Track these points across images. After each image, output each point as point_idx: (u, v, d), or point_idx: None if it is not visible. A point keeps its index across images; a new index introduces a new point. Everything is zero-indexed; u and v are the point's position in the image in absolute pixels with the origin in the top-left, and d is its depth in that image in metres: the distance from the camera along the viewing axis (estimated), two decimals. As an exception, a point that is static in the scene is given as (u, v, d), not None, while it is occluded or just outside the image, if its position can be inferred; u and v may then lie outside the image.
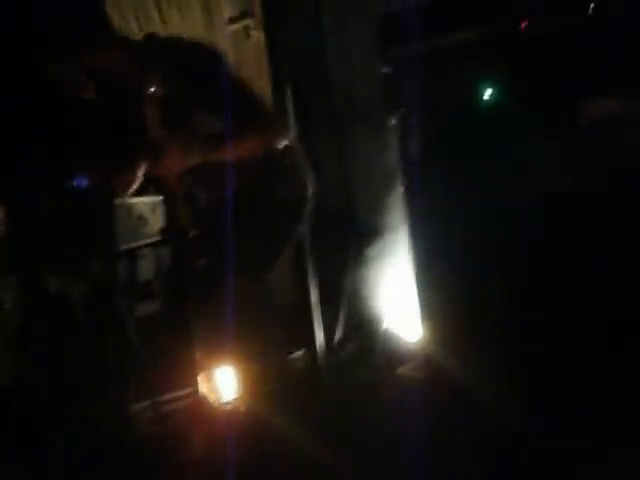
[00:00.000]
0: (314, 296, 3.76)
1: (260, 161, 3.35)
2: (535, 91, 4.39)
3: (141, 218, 3.24)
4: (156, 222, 3.35)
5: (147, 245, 3.31)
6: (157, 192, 3.31)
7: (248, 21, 4.06)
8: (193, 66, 3.22)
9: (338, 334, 4.37)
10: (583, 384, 3.60)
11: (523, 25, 4.42)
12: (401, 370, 4.42)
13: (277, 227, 3.41)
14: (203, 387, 3.50)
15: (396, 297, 4.55)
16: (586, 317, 3.86)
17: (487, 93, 4.52)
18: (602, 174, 4.06)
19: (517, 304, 4.01)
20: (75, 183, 3.29)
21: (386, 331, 4.57)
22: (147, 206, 3.29)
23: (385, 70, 4.65)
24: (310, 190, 3.47)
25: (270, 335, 3.48)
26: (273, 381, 3.71)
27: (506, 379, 3.73)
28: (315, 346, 3.85)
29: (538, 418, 3.42)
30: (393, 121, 4.57)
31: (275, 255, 3.43)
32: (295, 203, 3.44)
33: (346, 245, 4.38)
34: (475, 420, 3.49)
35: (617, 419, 3.36)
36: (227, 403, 3.68)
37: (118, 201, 3.08)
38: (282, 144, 3.34)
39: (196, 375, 3.08)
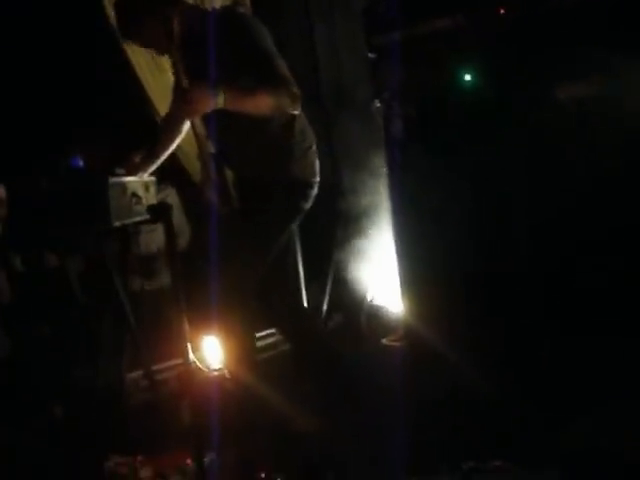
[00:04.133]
0: (301, 270, 3.68)
1: (278, 142, 3.31)
2: (514, 73, 4.31)
3: (135, 196, 3.15)
4: (150, 200, 3.28)
5: (141, 222, 3.21)
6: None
7: (239, 8, 3.97)
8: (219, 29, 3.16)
9: (325, 306, 4.33)
10: (548, 350, 3.64)
11: (502, 10, 4.32)
12: (384, 340, 4.40)
13: (286, 205, 3.37)
14: (193, 356, 3.45)
15: (379, 272, 4.51)
16: (551, 289, 3.85)
17: (467, 77, 4.42)
18: (581, 155, 4.02)
19: (490, 277, 4.00)
20: (72, 162, 3.22)
21: (370, 303, 4.53)
22: (141, 184, 3.21)
23: (370, 56, 4.57)
24: (317, 173, 3.43)
25: (256, 307, 3.43)
26: (260, 350, 3.67)
27: (478, 346, 3.73)
28: (302, 317, 3.76)
29: (505, 378, 3.45)
30: (377, 105, 4.50)
31: (282, 231, 3.38)
32: (304, 182, 3.38)
33: (332, 222, 4.34)
34: (449, 380, 3.52)
35: (577, 384, 3.38)
36: (215, 371, 3.64)
37: (113, 179, 2.98)
38: (295, 111, 3.28)
39: (186, 345, 3.00)
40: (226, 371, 3.52)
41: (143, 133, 3.79)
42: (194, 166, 4.43)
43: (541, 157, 4.07)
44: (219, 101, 3.09)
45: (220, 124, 3.25)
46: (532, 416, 3.20)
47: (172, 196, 4.46)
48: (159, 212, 3.07)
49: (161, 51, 3.37)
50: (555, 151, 4.04)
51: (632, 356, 3.48)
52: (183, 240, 4.53)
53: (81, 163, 3.69)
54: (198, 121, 3.37)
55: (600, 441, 3.05)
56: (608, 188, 3.90)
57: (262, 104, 3.17)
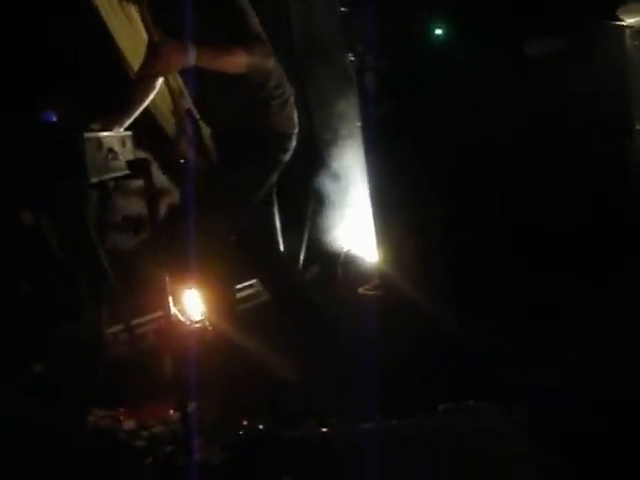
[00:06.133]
0: (278, 221, 3.64)
1: (255, 95, 3.25)
2: (484, 28, 4.26)
3: (111, 151, 3.08)
4: (127, 156, 3.20)
5: (118, 178, 3.14)
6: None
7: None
8: None
9: (302, 257, 4.30)
10: (519, 292, 3.68)
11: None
12: (360, 289, 4.39)
13: (265, 157, 3.31)
14: (174, 309, 3.42)
15: (355, 222, 4.49)
16: (522, 235, 3.88)
17: (438, 31, 4.37)
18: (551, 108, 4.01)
19: (463, 225, 4.00)
20: (45, 117, 3.14)
21: (347, 254, 4.51)
22: (117, 140, 3.13)
23: (342, 9, 4.50)
24: (296, 125, 3.38)
25: (236, 258, 3.39)
26: (240, 301, 3.64)
27: (452, 292, 3.78)
28: (281, 267, 3.73)
29: (479, 322, 3.50)
30: (351, 58, 4.44)
31: (262, 184, 3.33)
32: (282, 135, 3.33)
33: (308, 174, 4.30)
34: (423, 326, 3.57)
35: (546, 324, 3.44)
36: (196, 323, 3.61)
37: (88, 134, 2.90)
38: (267, 70, 3.22)
39: (166, 298, 2.96)
40: (207, 322, 3.50)
41: (117, 87, 3.70)
42: (169, 121, 4.35)
43: (512, 110, 4.05)
44: (191, 59, 3.02)
45: (196, 78, 3.18)
46: (504, 357, 3.24)
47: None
48: (138, 167, 3.01)
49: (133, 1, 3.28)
50: (525, 104, 4.03)
51: (600, 296, 3.51)
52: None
53: (54, 118, 3.59)
54: (172, 75, 3.30)
55: (568, 379, 3.08)
56: (575, 139, 3.90)
57: (234, 63, 3.11)
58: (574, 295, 3.55)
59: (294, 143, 3.36)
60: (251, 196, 3.29)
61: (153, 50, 3.14)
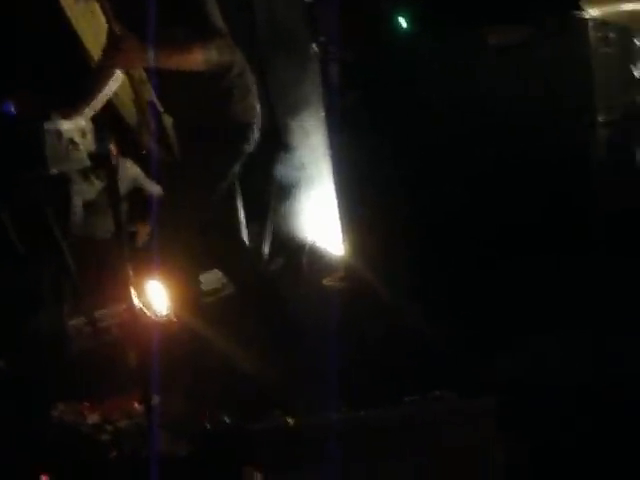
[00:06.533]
0: (242, 212, 3.62)
1: (216, 85, 3.21)
2: (447, 18, 4.26)
3: (72, 142, 3.03)
4: (88, 147, 3.16)
5: (79, 169, 3.11)
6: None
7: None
8: None
9: (266, 249, 4.28)
10: (482, 290, 3.68)
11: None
12: (326, 281, 4.38)
13: (228, 148, 3.29)
14: (137, 301, 3.38)
15: (320, 214, 4.48)
16: (485, 230, 3.89)
17: (403, 21, 4.36)
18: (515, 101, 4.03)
19: (428, 218, 4.01)
20: (3, 107, 3.09)
21: (311, 246, 4.50)
22: (78, 130, 3.09)
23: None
24: (258, 115, 3.35)
25: (201, 251, 3.36)
26: (205, 294, 3.62)
27: (416, 285, 3.77)
28: (246, 259, 3.71)
29: (441, 318, 3.49)
30: (314, 48, 4.42)
31: (225, 175, 3.31)
32: (244, 125, 3.30)
33: (272, 165, 4.28)
34: (388, 319, 3.56)
35: (513, 316, 3.44)
36: (161, 316, 3.57)
37: (48, 125, 2.86)
38: (227, 63, 3.19)
39: (130, 291, 2.93)
40: (171, 315, 3.47)
41: (77, 78, 3.65)
42: (130, 111, 4.30)
43: (475, 101, 4.06)
44: (150, 59, 3.00)
45: (158, 68, 3.15)
46: (470, 348, 3.25)
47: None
48: (100, 159, 2.98)
49: None
50: (488, 95, 4.04)
51: (565, 288, 3.54)
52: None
53: (13, 109, 3.54)
54: None
55: (534, 369, 3.10)
56: (537, 131, 3.92)
57: (193, 60, 3.09)
58: (539, 287, 3.57)
59: (256, 133, 3.34)
60: (214, 187, 3.26)
61: (114, 43, 3.10)
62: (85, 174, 3.70)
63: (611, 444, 2.60)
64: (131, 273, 2.94)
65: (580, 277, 3.55)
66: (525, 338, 3.31)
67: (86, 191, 4.06)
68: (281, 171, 4.32)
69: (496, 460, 2.41)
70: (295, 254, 4.39)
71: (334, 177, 4.32)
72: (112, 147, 3.40)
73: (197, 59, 3.09)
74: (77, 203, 3.87)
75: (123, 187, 4.08)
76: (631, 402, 2.75)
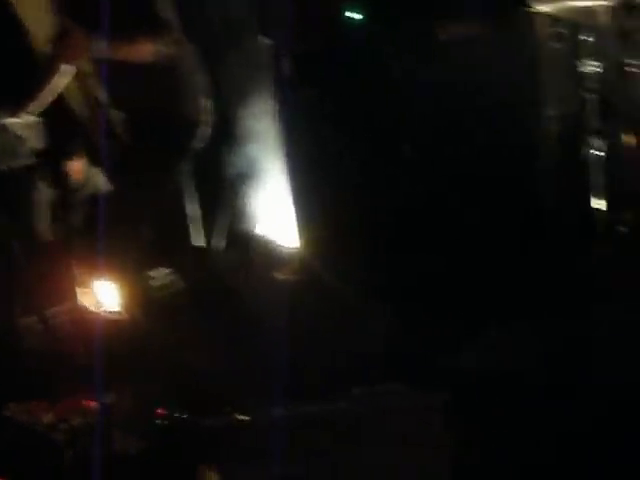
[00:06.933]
0: (194, 207, 3.62)
1: (165, 82, 3.21)
2: (399, 13, 4.29)
3: (18, 138, 3.00)
4: (35, 142, 3.13)
5: (27, 165, 3.07)
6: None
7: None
8: None
9: (218, 242, 4.25)
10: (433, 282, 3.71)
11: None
12: (278, 275, 4.37)
13: (178, 144, 3.28)
14: (86, 300, 3.36)
15: (272, 208, 4.47)
16: (433, 223, 3.95)
17: (355, 15, 4.39)
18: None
19: (378, 213, 4.03)
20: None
21: (264, 239, 4.48)
22: (24, 126, 3.05)
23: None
24: (207, 112, 3.34)
25: (150, 247, 3.35)
26: (155, 291, 3.60)
27: (370, 280, 3.77)
28: (196, 254, 3.71)
29: (393, 312, 3.51)
30: (266, 42, 4.41)
31: (172, 172, 3.30)
32: (193, 122, 3.31)
33: (224, 160, 4.26)
34: (339, 311, 3.55)
35: (465, 309, 3.47)
36: (111, 313, 3.54)
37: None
38: (176, 58, 3.18)
39: (79, 289, 2.91)
40: (121, 312, 3.45)
41: (24, 72, 3.60)
42: (78, 106, 4.26)
43: (425, 94, 4.10)
44: (96, 50, 2.97)
45: (106, 63, 3.12)
46: (424, 342, 3.27)
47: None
48: (47, 154, 2.94)
49: None
50: (438, 89, 4.08)
51: (513, 280, 3.58)
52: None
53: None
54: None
55: (488, 363, 3.13)
56: (486, 124, 3.97)
57: (142, 52, 3.09)
58: (489, 281, 3.60)
59: (206, 129, 3.32)
60: (163, 184, 3.25)
61: (60, 37, 3.07)
62: (33, 170, 3.65)
63: (563, 436, 2.64)
64: (81, 270, 2.91)
65: (527, 268, 3.60)
66: (477, 331, 3.34)
67: (34, 187, 4.02)
68: (233, 166, 4.31)
69: (445, 451, 2.44)
70: (247, 248, 4.38)
71: (287, 171, 4.32)
72: (60, 143, 3.37)
73: (145, 51, 3.07)
74: (25, 200, 3.83)
75: (72, 183, 4.06)
76: (582, 393, 2.79)
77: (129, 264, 3.25)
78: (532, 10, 3.55)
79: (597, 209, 3.63)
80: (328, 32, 4.50)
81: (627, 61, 3.13)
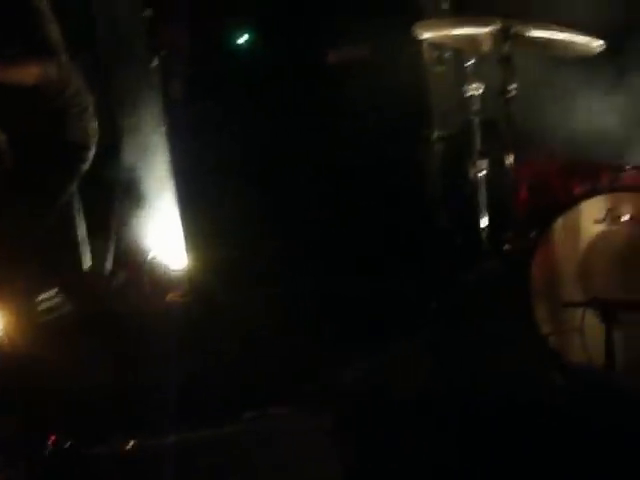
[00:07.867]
0: (82, 230, 3.56)
1: (51, 104, 3.14)
2: (286, 36, 4.34)
3: None
4: None
5: None
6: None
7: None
8: None
9: (108, 265, 4.20)
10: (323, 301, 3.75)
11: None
12: (168, 297, 4.33)
13: (63, 168, 3.22)
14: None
15: (162, 229, 4.44)
16: (323, 241, 4.00)
17: (242, 38, 4.41)
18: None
19: (274, 228, 4.05)
20: None
21: (154, 260, 4.45)
22: None
23: (147, 13, 4.43)
24: (95, 135, 3.30)
25: (36, 270, 3.28)
26: (40, 315, 3.52)
27: (261, 300, 3.79)
28: (84, 278, 3.65)
29: (285, 331, 3.50)
30: (155, 62, 4.39)
31: (60, 195, 3.24)
32: (80, 145, 3.24)
33: (113, 181, 4.21)
34: (234, 331, 3.57)
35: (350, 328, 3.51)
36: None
37: None
38: (63, 81, 3.12)
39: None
40: (5, 337, 3.36)
41: None
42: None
43: (316, 117, 4.15)
44: None
45: None
46: (310, 360, 3.29)
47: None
48: None
49: None
50: (327, 111, 4.14)
51: (399, 298, 3.65)
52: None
53: None
54: None
55: (371, 382, 3.17)
56: (375, 146, 4.05)
57: (27, 75, 3.03)
58: (375, 303, 3.66)
59: (92, 152, 3.28)
60: (49, 206, 3.19)
61: None
62: None
63: (455, 457, 2.67)
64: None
65: (413, 286, 3.68)
66: (364, 352, 3.38)
67: None
68: (123, 187, 4.26)
69: (332, 474, 2.46)
70: (137, 270, 4.33)
71: (176, 192, 4.32)
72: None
73: (30, 75, 3.02)
74: None
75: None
76: (473, 412, 2.84)
77: (13, 288, 3.17)
78: (417, 36, 3.64)
79: (484, 228, 3.72)
80: (218, 54, 4.51)
81: (507, 84, 3.24)
